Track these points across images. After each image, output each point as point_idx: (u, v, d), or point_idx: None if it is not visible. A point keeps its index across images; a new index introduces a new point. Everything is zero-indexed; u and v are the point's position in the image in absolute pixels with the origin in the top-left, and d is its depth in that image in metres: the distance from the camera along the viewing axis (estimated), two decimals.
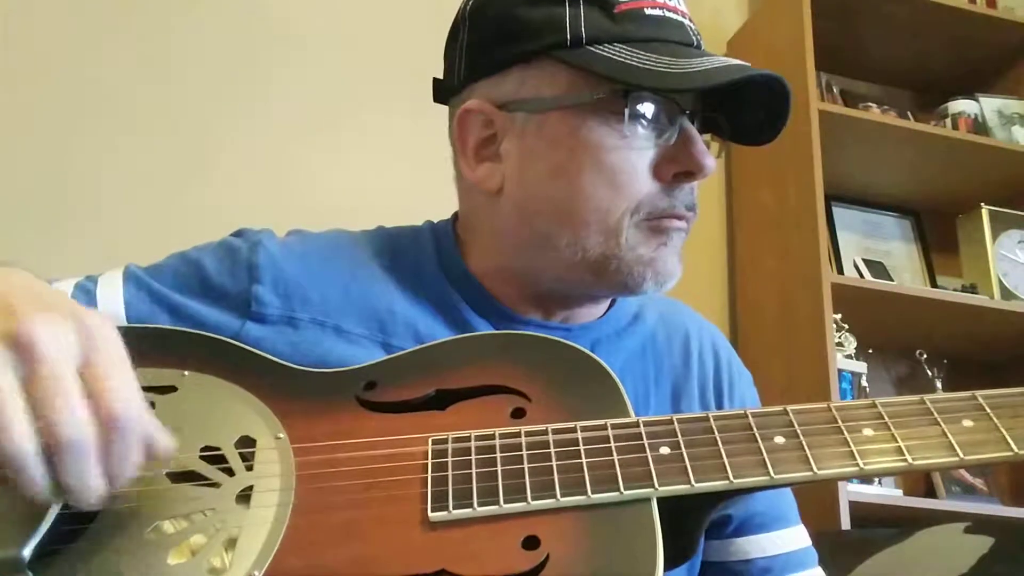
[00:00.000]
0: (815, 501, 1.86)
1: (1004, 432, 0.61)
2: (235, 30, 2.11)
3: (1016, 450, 0.60)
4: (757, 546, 0.89)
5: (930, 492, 2.17)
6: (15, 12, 1.96)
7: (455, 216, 0.92)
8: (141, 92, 2.00)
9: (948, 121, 2.47)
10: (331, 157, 2.08)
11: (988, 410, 0.63)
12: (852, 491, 1.89)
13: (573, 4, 0.78)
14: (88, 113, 1.95)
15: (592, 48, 0.76)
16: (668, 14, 0.79)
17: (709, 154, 0.78)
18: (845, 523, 1.82)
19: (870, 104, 2.45)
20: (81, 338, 0.53)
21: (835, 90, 2.50)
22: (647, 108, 0.77)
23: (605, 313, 0.90)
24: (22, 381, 0.51)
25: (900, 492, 2.06)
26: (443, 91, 0.88)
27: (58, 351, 0.52)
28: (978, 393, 0.64)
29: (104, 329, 0.55)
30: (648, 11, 0.78)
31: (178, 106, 2.02)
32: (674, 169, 0.78)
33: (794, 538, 0.91)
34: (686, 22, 0.81)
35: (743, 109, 0.81)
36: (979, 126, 2.44)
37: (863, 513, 1.88)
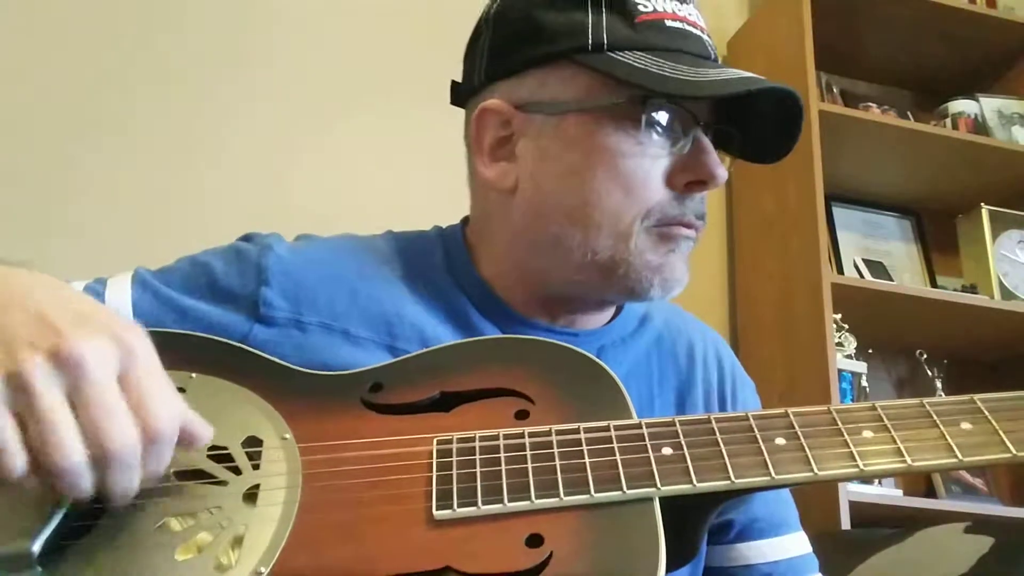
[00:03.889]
0: (815, 501, 1.86)
1: (1003, 435, 0.62)
2: (232, 30, 2.11)
3: (1014, 452, 0.61)
4: (759, 552, 0.89)
5: (930, 492, 2.18)
6: (12, 12, 1.96)
7: (464, 221, 0.93)
8: (137, 93, 2.00)
9: (948, 121, 2.47)
10: (325, 157, 2.08)
11: (986, 413, 0.64)
12: (852, 491, 1.89)
13: (596, 11, 0.79)
14: (83, 115, 1.95)
15: (612, 54, 0.77)
16: (687, 27, 0.80)
17: (721, 164, 0.79)
18: (845, 523, 1.83)
19: (870, 104, 2.45)
20: (120, 352, 0.55)
21: (835, 90, 2.50)
22: (663, 116, 0.78)
23: (611, 320, 0.91)
24: (68, 397, 0.53)
25: (900, 492, 2.06)
26: (461, 94, 0.89)
27: (102, 368, 0.54)
28: (976, 397, 0.65)
29: (140, 340, 0.57)
30: (668, 23, 0.79)
31: (175, 107, 2.02)
32: (687, 178, 0.79)
33: (795, 544, 0.91)
34: (704, 36, 0.82)
35: (754, 126, 0.82)
36: (979, 126, 2.44)
37: (863, 513, 1.88)
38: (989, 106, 2.48)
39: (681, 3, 0.81)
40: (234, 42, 2.10)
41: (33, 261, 0.63)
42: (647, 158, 0.78)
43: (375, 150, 2.11)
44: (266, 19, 2.14)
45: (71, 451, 0.53)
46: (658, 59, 0.77)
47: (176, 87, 2.03)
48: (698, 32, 0.81)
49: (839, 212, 2.45)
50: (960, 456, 0.61)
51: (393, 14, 2.21)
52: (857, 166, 2.35)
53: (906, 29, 2.45)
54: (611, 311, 0.91)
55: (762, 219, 2.28)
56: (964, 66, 2.58)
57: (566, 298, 0.86)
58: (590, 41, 0.78)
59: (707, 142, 0.80)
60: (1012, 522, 1.99)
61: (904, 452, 0.62)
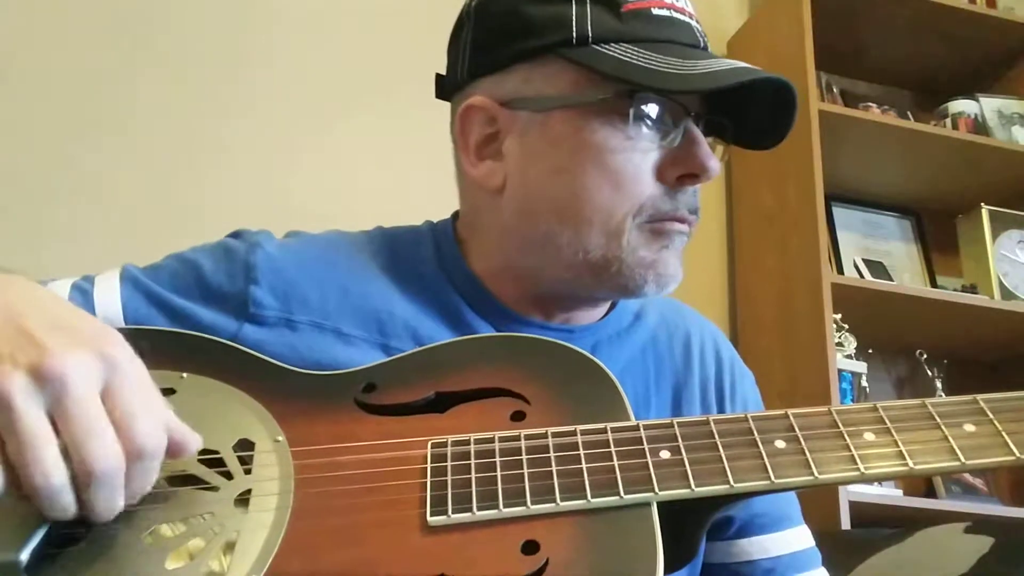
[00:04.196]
0: (815, 501, 1.85)
1: (1006, 436, 0.61)
2: (232, 31, 2.10)
3: (1018, 454, 0.60)
4: (760, 547, 0.88)
5: (930, 492, 2.17)
6: (12, 11, 1.96)
7: (455, 216, 0.92)
8: (137, 93, 2.00)
9: (948, 121, 2.47)
10: (325, 157, 2.07)
11: (990, 414, 0.63)
12: (852, 491, 1.89)
13: (580, 2, 0.77)
14: (81, 113, 1.95)
15: (598, 47, 0.76)
16: (675, 15, 0.79)
17: (713, 156, 0.78)
18: (845, 523, 1.82)
19: (870, 104, 2.45)
20: (103, 366, 0.54)
21: (835, 90, 2.49)
22: (652, 109, 0.77)
23: (606, 315, 0.89)
24: (49, 414, 0.52)
25: (900, 492, 2.06)
26: (446, 87, 0.87)
27: (84, 384, 0.53)
28: (979, 397, 0.64)
29: (123, 353, 0.56)
30: (655, 11, 0.78)
31: (174, 107, 2.01)
32: (678, 171, 0.78)
33: (797, 539, 0.90)
34: (693, 23, 0.80)
35: (748, 112, 0.81)
36: (979, 126, 2.44)
37: (863, 513, 1.88)
38: (989, 106, 2.47)
39: None
40: (234, 42, 2.10)
41: (21, 269, 0.62)
42: (636, 152, 0.77)
43: (375, 150, 2.11)
44: (266, 19, 2.14)
45: (52, 471, 0.51)
46: (645, 51, 0.75)
47: (176, 87, 2.03)
48: (686, 19, 0.79)
49: (839, 212, 2.44)
50: (963, 459, 0.60)
51: (393, 14, 2.21)
52: (857, 166, 2.34)
53: (906, 29, 2.44)
54: (606, 306, 0.90)
55: (762, 215, 2.28)
56: (964, 66, 2.57)
57: (559, 295, 0.85)
58: (575, 34, 0.76)
59: (698, 134, 0.78)
60: (1012, 522, 1.99)
61: (906, 455, 0.61)
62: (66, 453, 0.52)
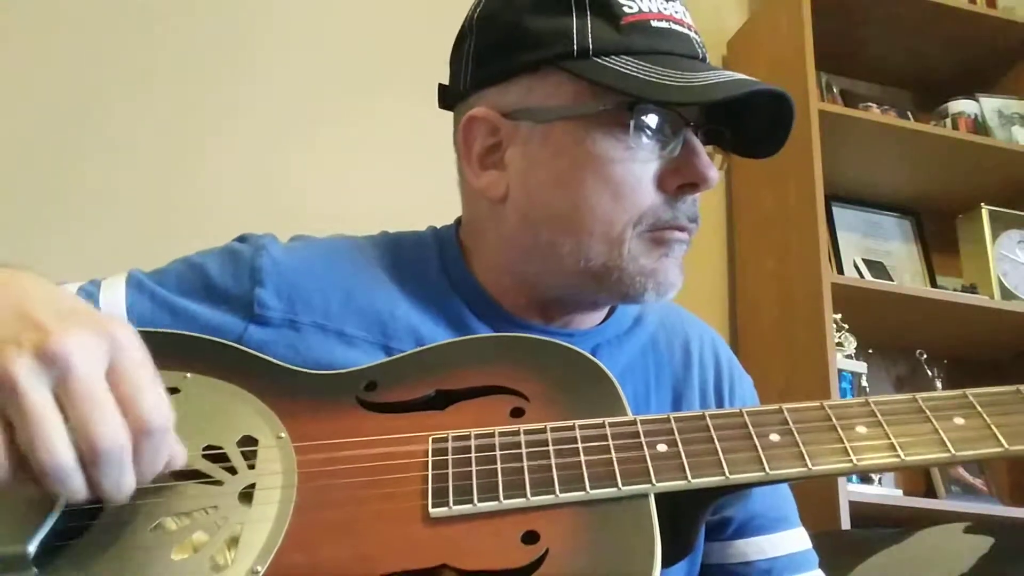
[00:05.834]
0: (815, 501, 1.86)
1: (994, 429, 0.62)
2: (225, 29, 2.11)
3: (1006, 446, 0.61)
4: (757, 548, 0.89)
5: (930, 492, 2.18)
6: (11, 10, 1.97)
7: (458, 221, 0.93)
8: (129, 93, 2.00)
9: (948, 121, 2.47)
10: (325, 158, 2.08)
11: (979, 408, 0.64)
12: (852, 491, 1.89)
13: (580, 15, 0.78)
14: (79, 116, 1.95)
15: (598, 59, 0.77)
16: (674, 26, 0.80)
17: (712, 166, 0.79)
18: (845, 523, 1.83)
19: (870, 104, 2.45)
20: (106, 345, 0.54)
21: (835, 90, 2.50)
22: (652, 120, 0.77)
23: (606, 319, 0.90)
24: (55, 394, 0.52)
25: (900, 492, 2.06)
26: (448, 97, 0.88)
27: (89, 363, 0.53)
28: (969, 391, 0.65)
29: (126, 333, 0.56)
30: (654, 23, 0.79)
31: (172, 107, 2.02)
32: (678, 181, 0.79)
33: (794, 540, 0.91)
34: (691, 35, 0.81)
35: (746, 122, 0.82)
36: (979, 126, 2.44)
37: (863, 513, 1.88)
38: (989, 106, 2.47)
39: (667, 1, 0.80)
40: (233, 44, 2.10)
41: (22, 263, 0.62)
42: (636, 163, 0.78)
43: (373, 150, 2.11)
44: (264, 19, 2.14)
45: (59, 451, 0.52)
46: (645, 63, 0.76)
47: (174, 89, 2.04)
48: (685, 30, 0.81)
49: (839, 212, 2.45)
50: (953, 450, 0.61)
51: (392, 14, 2.22)
52: (857, 166, 2.35)
53: (906, 29, 2.45)
54: (605, 311, 0.91)
55: (762, 218, 2.28)
56: (964, 66, 2.58)
57: (560, 300, 0.86)
58: (575, 47, 0.77)
59: (697, 144, 0.79)
60: (1012, 522, 1.99)
61: (897, 447, 0.62)
62: (73, 432, 0.52)
